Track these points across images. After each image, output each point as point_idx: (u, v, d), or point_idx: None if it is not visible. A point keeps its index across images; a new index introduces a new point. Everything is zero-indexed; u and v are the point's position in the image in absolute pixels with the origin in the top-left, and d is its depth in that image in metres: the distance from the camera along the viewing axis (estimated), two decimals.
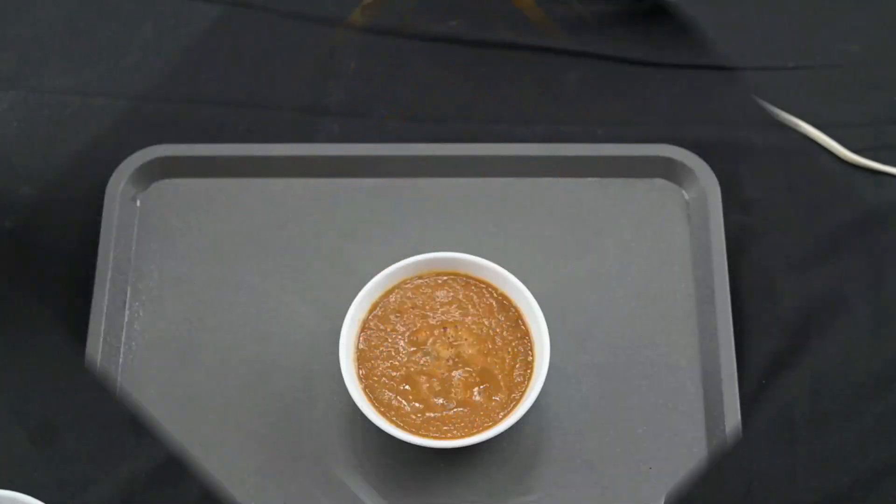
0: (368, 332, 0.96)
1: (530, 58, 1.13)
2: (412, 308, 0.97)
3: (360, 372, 0.95)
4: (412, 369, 0.95)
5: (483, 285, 0.98)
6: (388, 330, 0.96)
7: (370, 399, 0.94)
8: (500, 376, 0.95)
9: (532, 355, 0.95)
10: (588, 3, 1.15)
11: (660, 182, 1.07)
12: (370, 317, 0.97)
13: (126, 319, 1.01)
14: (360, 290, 0.97)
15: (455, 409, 0.94)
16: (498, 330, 0.96)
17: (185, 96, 1.12)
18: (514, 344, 0.96)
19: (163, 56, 1.14)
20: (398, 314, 0.97)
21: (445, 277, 0.98)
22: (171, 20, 1.16)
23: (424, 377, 0.94)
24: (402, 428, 0.93)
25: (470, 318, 0.97)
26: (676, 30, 1.14)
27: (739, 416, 0.95)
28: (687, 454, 0.96)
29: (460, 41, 1.14)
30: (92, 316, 1.00)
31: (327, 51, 1.14)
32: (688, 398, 0.98)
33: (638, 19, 1.14)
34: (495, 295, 0.98)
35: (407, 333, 0.96)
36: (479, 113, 1.11)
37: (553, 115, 1.11)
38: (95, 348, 0.98)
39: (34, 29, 1.15)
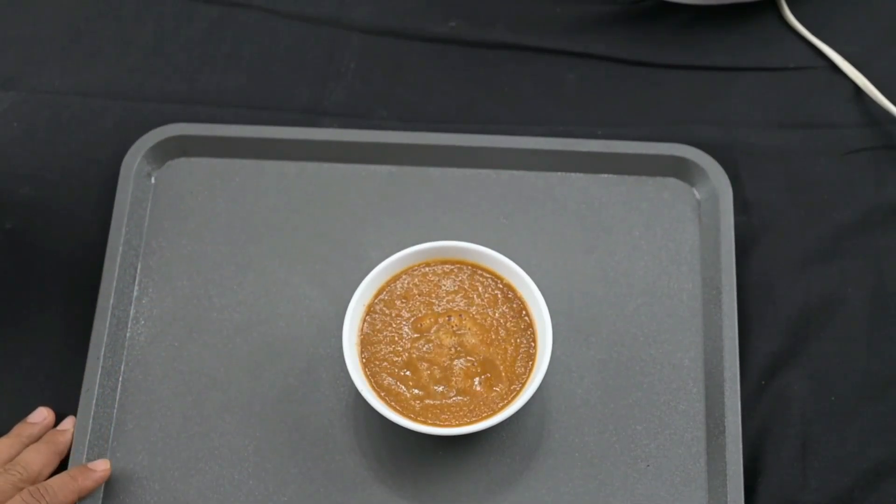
0: (373, 316, 0.96)
1: (530, 58, 1.14)
2: (418, 295, 0.97)
3: (363, 355, 0.95)
4: (414, 355, 0.95)
5: (489, 276, 0.98)
6: (393, 315, 0.96)
7: (371, 383, 0.94)
8: (501, 367, 0.94)
9: (535, 348, 0.95)
10: (589, 3, 1.16)
11: (672, 181, 1.07)
12: (376, 301, 0.97)
13: (135, 294, 1.02)
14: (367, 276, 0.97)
15: (455, 398, 0.93)
16: (502, 321, 0.96)
17: (185, 97, 1.12)
18: (517, 335, 0.96)
19: (163, 56, 1.14)
20: (404, 300, 0.97)
21: (452, 266, 0.98)
22: (171, 21, 1.16)
23: (426, 364, 0.94)
24: (402, 413, 0.93)
25: (474, 307, 0.97)
26: (676, 30, 1.15)
27: (740, 417, 0.96)
28: (686, 453, 0.96)
29: (460, 41, 1.15)
30: (101, 290, 1.00)
31: (327, 51, 1.14)
32: (689, 397, 0.98)
33: (638, 19, 1.15)
34: (500, 286, 0.97)
35: (411, 319, 0.96)
36: (478, 113, 1.11)
37: (553, 115, 1.11)
38: (103, 321, 0.99)
39: (34, 29, 1.16)
